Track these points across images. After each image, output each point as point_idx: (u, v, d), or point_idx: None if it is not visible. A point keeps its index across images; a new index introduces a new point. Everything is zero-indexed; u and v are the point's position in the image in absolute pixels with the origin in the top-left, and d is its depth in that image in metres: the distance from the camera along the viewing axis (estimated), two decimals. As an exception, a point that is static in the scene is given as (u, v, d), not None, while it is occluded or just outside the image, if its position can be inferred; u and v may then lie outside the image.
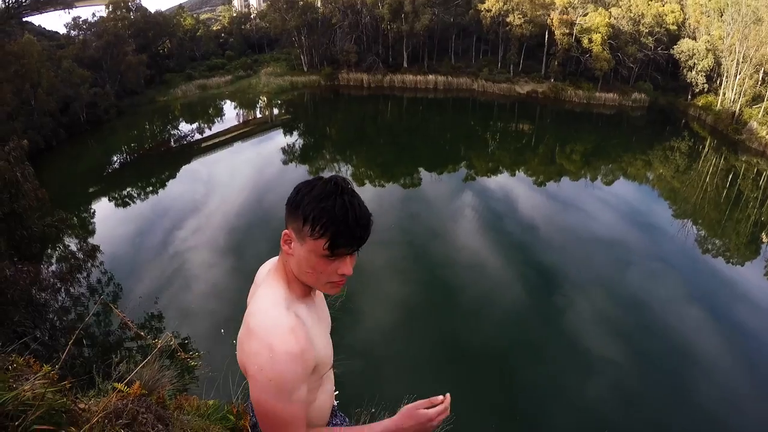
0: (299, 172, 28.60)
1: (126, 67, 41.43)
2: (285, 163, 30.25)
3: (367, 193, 24.69)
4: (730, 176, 30.59)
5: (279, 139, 35.68)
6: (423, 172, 28.53)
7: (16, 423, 2.33)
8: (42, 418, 2.58)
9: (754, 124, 35.00)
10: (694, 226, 23.78)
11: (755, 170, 31.48)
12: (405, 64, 51.03)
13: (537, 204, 24.91)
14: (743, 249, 22.16)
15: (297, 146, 34.77)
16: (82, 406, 3.26)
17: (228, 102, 47.72)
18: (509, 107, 46.25)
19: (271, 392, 1.39)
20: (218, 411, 4.59)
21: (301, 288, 1.61)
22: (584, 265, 18.79)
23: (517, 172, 30.11)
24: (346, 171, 29.27)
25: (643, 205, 26.44)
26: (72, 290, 14.19)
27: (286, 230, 1.52)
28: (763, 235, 23.26)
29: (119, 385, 3.94)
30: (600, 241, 20.89)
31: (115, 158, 32.26)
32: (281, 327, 1.44)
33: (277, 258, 1.69)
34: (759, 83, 37.68)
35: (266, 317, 1.48)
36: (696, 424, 12.02)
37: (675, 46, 43.62)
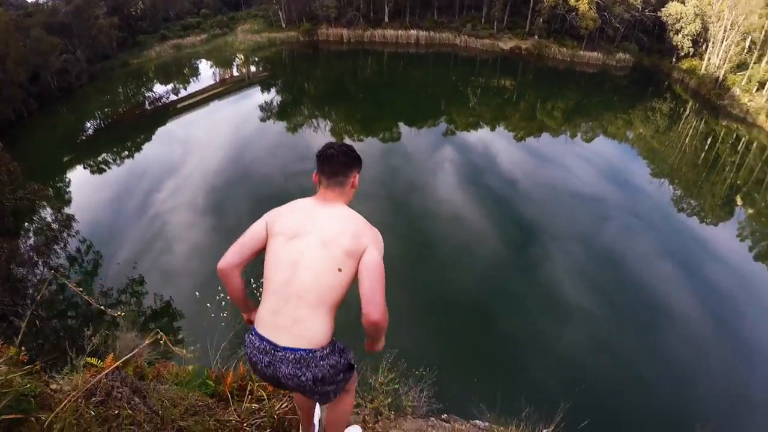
0: (277, 129, 28.23)
1: (97, 31, 39.81)
2: (263, 120, 29.76)
3: None
4: (709, 140, 30.81)
5: (257, 97, 34.97)
6: (403, 127, 28.21)
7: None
8: (9, 406, 2.52)
9: (737, 91, 35.09)
10: (670, 186, 24.21)
11: (734, 135, 31.70)
12: (386, 19, 49.39)
13: (517, 159, 25.01)
14: (718, 210, 22.70)
15: (275, 103, 34.06)
16: (54, 386, 3.20)
17: (204, 61, 46.07)
18: (492, 63, 45.48)
19: (382, 253, 2.34)
20: (197, 377, 4.47)
21: None
22: (562, 218, 19.08)
23: (497, 127, 30.01)
24: (324, 127, 28.90)
25: (621, 162, 26.71)
26: (50, 262, 14.10)
27: (356, 173, 2.60)
28: (738, 199, 23.81)
29: (92, 360, 3.79)
30: (578, 196, 21.21)
31: (88, 125, 31.28)
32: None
33: (308, 198, 2.60)
34: (745, 51, 37.58)
35: (363, 220, 2.45)
36: (665, 372, 12.51)
37: (663, 9, 42.86)
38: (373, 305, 2.12)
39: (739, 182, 25.28)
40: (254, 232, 2.46)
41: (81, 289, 3.04)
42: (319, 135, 27.02)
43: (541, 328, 13.42)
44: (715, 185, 24.99)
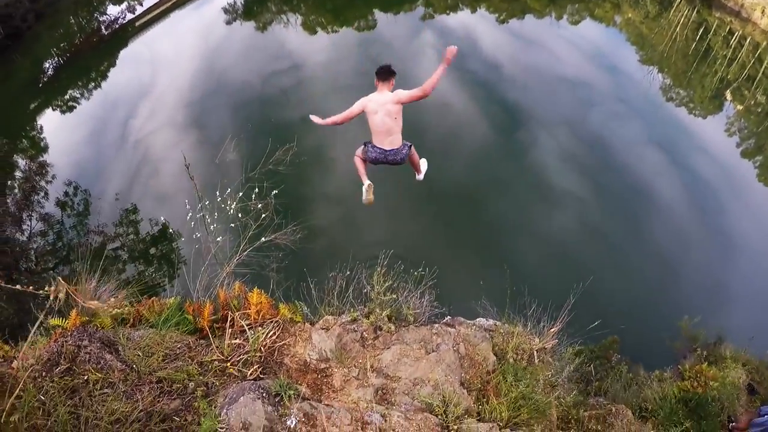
0: (246, 31, 26.25)
1: (34, -38, 34.50)
2: (229, 23, 27.54)
3: (320, 41, 23.36)
4: (701, 30, 28.34)
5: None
6: (378, 14, 25.94)
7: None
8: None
9: (733, -17, 32.65)
10: (659, 74, 22.99)
11: (728, 29, 28.85)
12: None
13: (500, 42, 23.36)
14: (707, 103, 21.82)
15: (239, 3, 30.82)
16: (16, 364, 2.85)
17: (156, -30, 41.44)
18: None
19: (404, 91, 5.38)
20: (176, 313, 4.19)
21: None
22: (548, 103, 18.26)
23: (478, 8, 27.54)
24: (295, 20, 26.62)
25: (609, 47, 25.24)
26: (39, 212, 13.93)
27: (393, 79, 5.46)
28: (728, 93, 22.67)
29: (55, 321, 3.36)
30: (564, 81, 20.11)
31: (47, 65, 28.30)
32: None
33: (375, 93, 5.45)
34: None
35: (393, 93, 5.38)
36: (654, 264, 12.67)
37: None
38: (427, 90, 5.15)
39: (729, 77, 23.85)
40: (353, 111, 5.47)
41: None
42: (290, 31, 25.09)
43: (534, 215, 13.33)
44: (705, 77, 23.73)
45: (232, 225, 5.79)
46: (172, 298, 4.25)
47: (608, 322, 8.24)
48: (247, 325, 3.56)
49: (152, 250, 12.91)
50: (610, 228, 13.52)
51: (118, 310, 3.72)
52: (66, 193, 15.06)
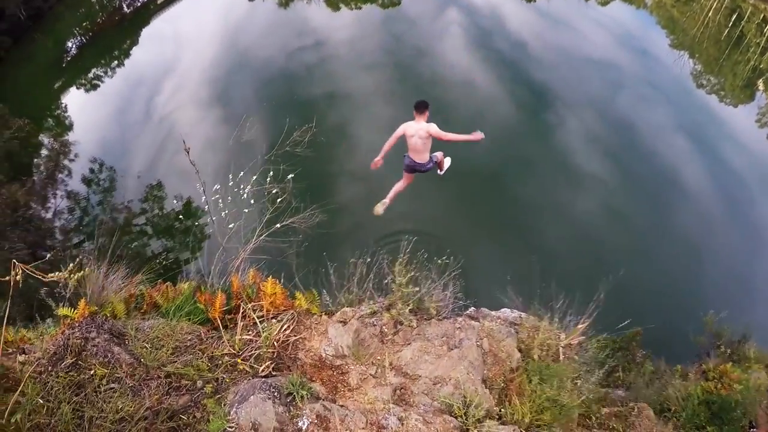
0: (268, 7, 25.81)
1: (50, -59, 33.78)
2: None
3: (344, 17, 23.07)
4: (734, 16, 26.98)
5: (240, -25, 31.34)
6: (403, -10, 25.21)
7: None
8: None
9: (767, -32, 30.95)
10: (690, 60, 22.11)
11: (762, 16, 27.20)
12: None
13: (527, 21, 22.56)
14: (738, 92, 20.95)
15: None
16: (21, 358, 2.75)
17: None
18: None
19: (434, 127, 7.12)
20: (188, 301, 3.99)
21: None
22: (575, 84, 17.73)
23: (505, -15, 26.88)
24: (319, -4, 25.83)
25: (639, 30, 24.34)
26: (65, 190, 14.00)
27: (427, 111, 7.14)
28: (760, 83, 21.56)
29: (63, 310, 3.19)
30: (592, 62, 19.45)
31: (69, 44, 28.12)
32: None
33: (412, 121, 7.19)
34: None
35: (428, 125, 7.15)
36: (681, 254, 12.24)
37: None
38: (444, 138, 7.04)
39: (762, 66, 22.64)
40: (397, 134, 7.12)
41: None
42: (313, 7, 24.60)
43: (554, 193, 13.12)
44: (737, 65, 22.67)
45: (246, 210, 5.55)
46: (187, 283, 4.07)
47: (633, 313, 7.91)
48: (259, 319, 3.34)
49: (171, 230, 13.02)
50: (636, 215, 13.06)
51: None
52: (91, 170, 15.10)
